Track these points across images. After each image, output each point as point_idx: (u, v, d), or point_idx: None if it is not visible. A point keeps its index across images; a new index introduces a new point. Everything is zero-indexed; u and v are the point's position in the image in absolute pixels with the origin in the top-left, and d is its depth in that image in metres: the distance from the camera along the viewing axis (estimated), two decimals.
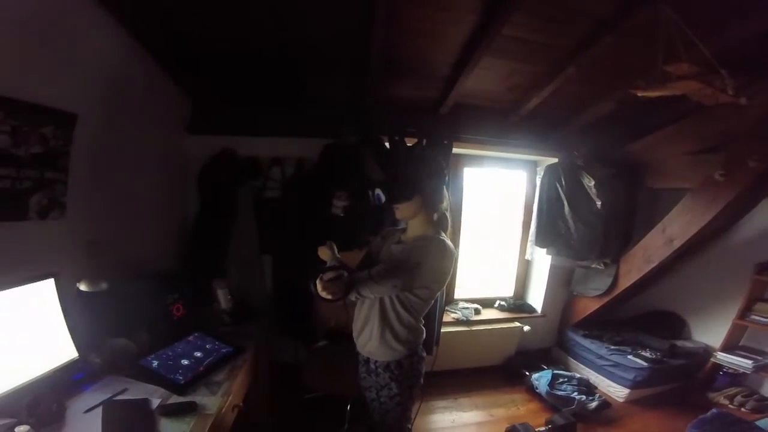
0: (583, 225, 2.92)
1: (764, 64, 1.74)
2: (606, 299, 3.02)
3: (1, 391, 1.05)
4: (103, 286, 1.50)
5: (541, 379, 2.69)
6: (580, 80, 2.22)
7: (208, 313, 2.03)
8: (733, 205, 2.32)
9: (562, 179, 2.98)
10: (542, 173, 3.11)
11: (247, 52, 2.01)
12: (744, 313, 2.68)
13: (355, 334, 1.53)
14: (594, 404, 2.40)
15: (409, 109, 2.57)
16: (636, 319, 3.24)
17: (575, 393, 2.49)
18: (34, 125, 1.24)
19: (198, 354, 1.53)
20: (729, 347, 2.79)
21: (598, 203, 2.86)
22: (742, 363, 2.66)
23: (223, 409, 1.25)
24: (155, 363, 1.42)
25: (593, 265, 3.02)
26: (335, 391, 2.04)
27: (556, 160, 3.06)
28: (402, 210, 1.39)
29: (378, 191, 1.34)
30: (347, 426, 2.03)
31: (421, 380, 1.51)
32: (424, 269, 1.29)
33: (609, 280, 2.96)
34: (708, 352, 2.89)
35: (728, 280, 2.81)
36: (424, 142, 2.57)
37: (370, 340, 1.43)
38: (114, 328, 1.49)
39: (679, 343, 2.92)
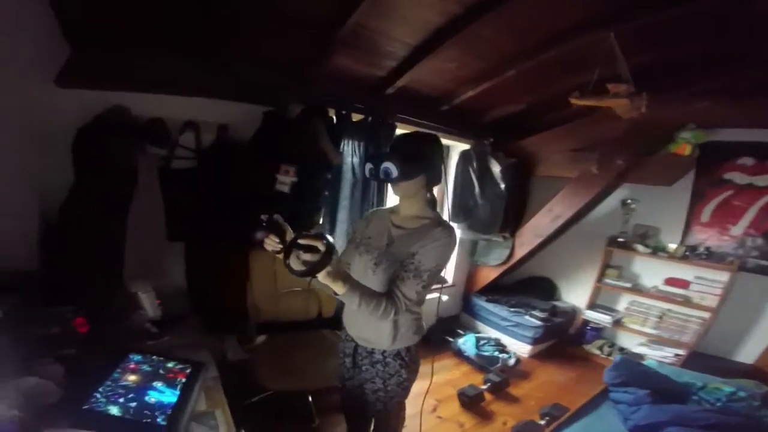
0: (489, 204, 3.33)
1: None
2: (504, 267, 3.57)
3: None
4: None
5: (467, 343, 3.01)
6: (511, 83, 2.45)
7: (124, 325, 1.58)
8: (600, 193, 3.01)
9: (474, 164, 3.33)
10: (457, 157, 3.40)
11: None
12: (600, 277, 3.28)
13: (354, 331, 1.39)
14: (512, 361, 2.83)
15: (355, 84, 2.41)
16: (521, 284, 3.87)
17: (496, 352, 2.89)
18: None
19: (158, 383, 1.16)
20: (591, 306, 3.37)
21: (502, 186, 3.31)
22: (603, 318, 3.23)
23: None
24: (113, 407, 1.00)
25: (495, 238, 3.50)
26: (298, 388, 1.87)
27: (467, 146, 3.37)
28: (404, 187, 1.27)
29: (388, 165, 1.19)
30: (318, 421, 1.90)
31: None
32: (441, 268, 1.26)
33: (507, 251, 3.50)
34: (575, 311, 3.56)
35: (588, 251, 3.41)
36: (370, 119, 2.47)
37: (377, 334, 1.32)
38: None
39: (557, 303, 3.56)
